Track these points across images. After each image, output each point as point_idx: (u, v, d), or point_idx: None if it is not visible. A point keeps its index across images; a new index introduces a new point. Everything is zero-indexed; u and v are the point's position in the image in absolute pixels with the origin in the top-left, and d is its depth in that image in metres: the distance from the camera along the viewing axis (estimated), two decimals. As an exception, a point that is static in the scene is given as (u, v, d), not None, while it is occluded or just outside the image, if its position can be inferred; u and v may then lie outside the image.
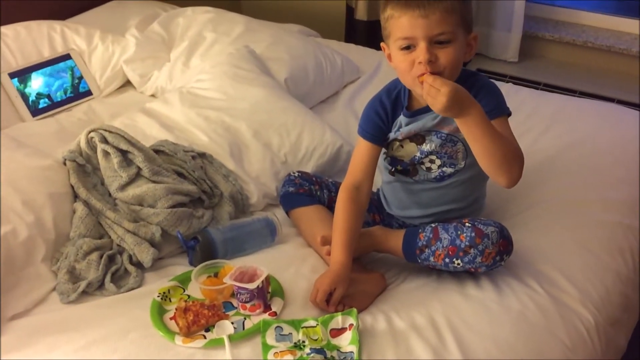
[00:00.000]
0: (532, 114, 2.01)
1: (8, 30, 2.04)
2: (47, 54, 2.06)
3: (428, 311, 1.29)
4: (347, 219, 1.39)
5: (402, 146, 1.42)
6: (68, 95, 2.05)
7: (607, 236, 1.53)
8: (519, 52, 2.87)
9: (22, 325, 1.28)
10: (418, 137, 1.40)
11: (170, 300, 1.33)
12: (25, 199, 1.42)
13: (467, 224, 1.32)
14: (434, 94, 1.19)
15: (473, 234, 1.30)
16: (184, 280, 1.38)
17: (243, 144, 1.73)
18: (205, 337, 1.24)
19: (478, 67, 2.83)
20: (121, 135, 1.55)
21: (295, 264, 1.44)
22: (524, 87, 2.30)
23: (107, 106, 2.03)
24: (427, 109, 1.35)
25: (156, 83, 2.11)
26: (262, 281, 1.28)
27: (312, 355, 1.17)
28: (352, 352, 1.20)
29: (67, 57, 2.08)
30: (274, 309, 1.30)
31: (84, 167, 1.56)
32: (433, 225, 1.37)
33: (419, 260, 1.37)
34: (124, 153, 1.54)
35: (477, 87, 1.33)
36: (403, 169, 1.45)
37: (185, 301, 1.30)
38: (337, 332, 1.25)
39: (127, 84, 2.16)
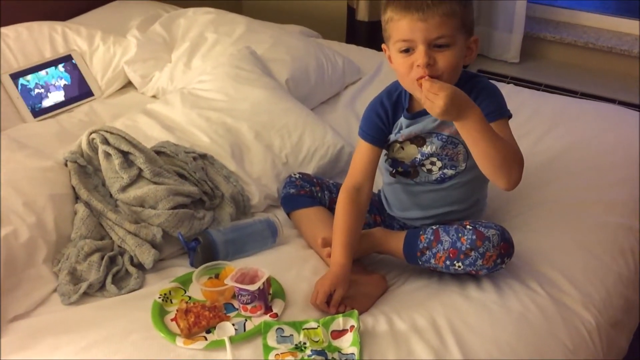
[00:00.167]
0: (533, 115, 2.01)
1: (9, 30, 2.04)
2: (48, 55, 2.06)
3: (429, 313, 1.28)
4: (347, 221, 1.39)
5: (402, 148, 1.42)
6: (69, 96, 2.05)
7: (608, 237, 1.53)
8: (520, 53, 2.87)
9: (23, 327, 1.28)
10: (419, 139, 1.40)
11: (171, 302, 1.33)
12: (27, 200, 1.42)
13: (468, 227, 1.32)
14: (432, 97, 1.19)
15: (474, 237, 1.29)
16: (185, 282, 1.38)
17: (244, 145, 1.73)
18: (206, 339, 1.24)
19: (479, 68, 2.83)
20: (122, 136, 1.55)
21: (297, 265, 1.44)
22: (525, 88, 2.29)
23: (109, 107, 2.03)
24: (427, 111, 1.35)
25: (157, 84, 2.11)
26: (263, 283, 1.28)
27: (313, 356, 1.17)
28: (353, 353, 1.19)
29: (68, 57, 2.08)
30: (275, 310, 1.30)
31: (85, 168, 1.56)
32: (434, 227, 1.37)
33: (420, 262, 1.37)
34: (125, 154, 1.54)
35: (478, 90, 1.33)
36: (404, 171, 1.45)
37: (187, 302, 1.30)
38: (338, 333, 1.25)
39: (129, 84, 2.16)
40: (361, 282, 1.37)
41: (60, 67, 2.06)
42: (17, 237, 1.36)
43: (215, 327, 1.26)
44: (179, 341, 1.22)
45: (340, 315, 1.27)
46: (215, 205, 1.60)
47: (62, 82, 2.05)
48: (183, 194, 1.52)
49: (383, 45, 1.37)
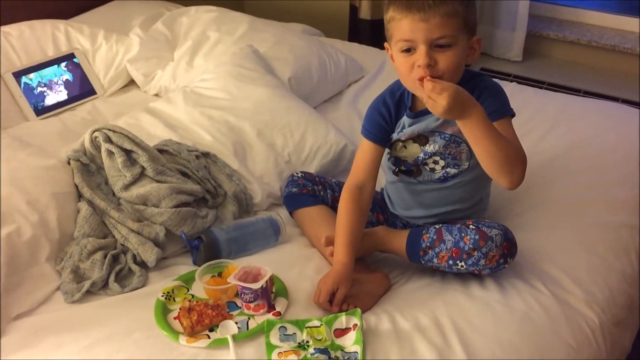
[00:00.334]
0: (536, 114, 2.00)
1: (12, 29, 2.04)
2: (51, 53, 2.06)
3: (432, 311, 1.28)
4: (350, 220, 1.39)
5: (405, 147, 1.42)
6: (72, 94, 2.05)
7: (611, 236, 1.53)
8: (523, 51, 2.87)
9: (26, 325, 1.28)
10: (421, 138, 1.40)
11: (174, 300, 1.33)
12: (30, 198, 1.42)
13: (471, 226, 1.32)
14: (435, 97, 1.19)
15: (477, 237, 1.29)
16: (188, 280, 1.38)
17: (247, 143, 1.72)
18: (209, 337, 1.24)
19: (482, 67, 2.82)
20: (125, 134, 1.55)
21: (299, 264, 1.44)
22: (528, 86, 2.29)
23: (111, 105, 2.03)
24: (430, 111, 1.35)
25: (160, 82, 2.11)
26: (266, 281, 1.28)
27: (316, 355, 1.17)
28: (356, 352, 1.19)
29: (71, 56, 2.08)
30: (278, 308, 1.30)
31: (88, 166, 1.56)
32: (437, 226, 1.37)
33: (423, 262, 1.37)
34: (128, 152, 1.54)
35: (481, 89, 1.33)
36: (407, 170, 1.45)
37: (189, 301, 1.30)
38: (341, 332, 1.25)
39: (131, 83, 2.16)
40: (364, 281, 1.37)
41: (63, 65, 2.06)
42: (20, 235, 1.36)
43: (218, 326, 1.26)
44: (182, 339, 1.22)
45: (343, 313, 1.27)
46: (217, 204, 1.60)
47: (65, 81, 2.05)
48: (186, 192, 1.52)
49: (385, 44, 1.37)
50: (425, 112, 1.37)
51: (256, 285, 1.27)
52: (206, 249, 1.44)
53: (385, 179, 1.54)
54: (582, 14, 2.93)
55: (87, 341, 1.21)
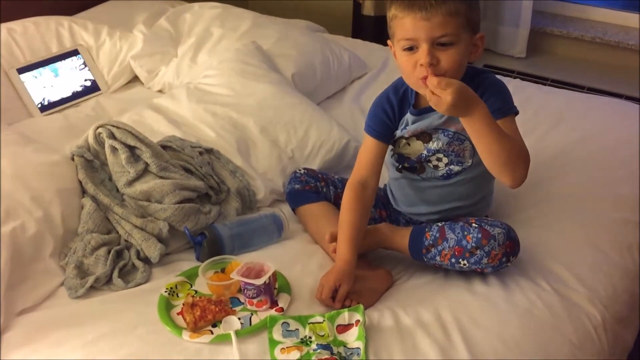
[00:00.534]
0: (539, 110, 2.00)
1: (16, 25, 2.05)
2: (55, 50, 2.07)
3: (435, 308, 1.29)
4: (353, 216, 1.39)
5: (408, 144, 1.42)
6: (76, 91, 2.05)
7: (615, 233, 1.53)
8: (526, 47, 2.86)
9: (30, 320, 1.29)
10: (425, 135, 1.40)
11: (177, 296, 1.34)
12: (34, 194, 1.43)
13: (473, 224, 1.32)
14: (440, 93, 1.18)
15: (479, 235, 1.29)
16: (191, 276, 1.39)
17: (250, 140, 1.73)
18: (212, 333, 1.24)
19: (485, 63, 2.82)
20: (129, 131, 1.55)
21: (302, 260, 1.44)
22: (532, 83, 2.29)
23: (115, 102, 2.04)
24: (433, 108, 1.35)
25: (163, 79, 2.11)
26: (269, 277, 1.29)
27: (318, 351, 1.17)
28: (358, 348, 1.20)
29: (75, 52, 2.08)
30: (280, 304, 1.30)
31: (91, 162, 1.57)
32: (440, 224, 1.37)
33: (425, 260, 1.37)
34: (131, 149, 1.54)
35: (484, 86, 1.33)
36: (410, 167, 1.45)
37: (193, 296, 1.30)
38: (344, 328, 1.25)
39: (135, 79, 2.17)
40: (367, 277, 1.37)
41: (67, 61, 2.07)
42: (25, 231, 1.37)
43: (221, 321, 1.26)
44: (185, 335, 1.23)
45: (346, 309, 1.27)
46: (221, 200, 1.60)
47: (69, 77, 2.06)
48: (189, 188, 1.53)
49: (388, 41, 1.37)
50: (429, 109, 1.37)
51: (259, 281, 1.27)
52: (209, 245, 1.44)
53: (388, 175, 1.54)
54: (586, 10, 2.92)
55: (90, 336, 1.22)
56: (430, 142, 1.39)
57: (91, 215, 1.47)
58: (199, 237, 1.46)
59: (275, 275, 1.33)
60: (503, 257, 1.30)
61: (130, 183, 1.51)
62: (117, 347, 1.20)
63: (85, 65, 2.09)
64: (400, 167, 1.46)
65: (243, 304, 1.32)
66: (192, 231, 1.47)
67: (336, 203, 1.55)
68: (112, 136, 1.55)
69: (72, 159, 1.57)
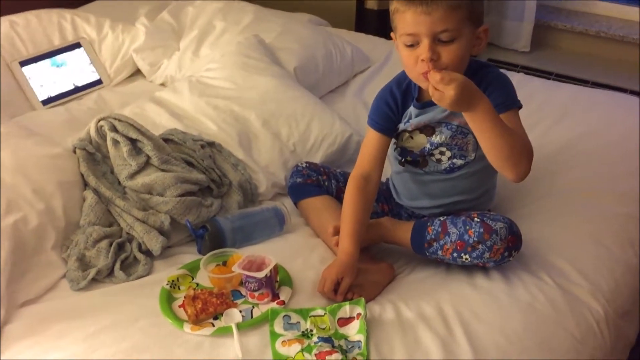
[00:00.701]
0: (543, 105, 1.99)
1: (19, 18, 2.05)
2: (57, 43, 2.06)
3: (436, 301, 1.28)
4: (355, 210, 1.39)
5: (411, 137, 1.41)
6: (78, 84, 2.05)
7: (617, 228, 1.52)
8: (530, 41, 2.85)
9: (32, 312, 1.29)
10: (428, 129, 1.39)
11: (179, 288, 1.34)
12: (36, 187, 1.43)
13: (475, 219, 1.31)
14: (442, 88, 1.17)
15: (481, 230, 1.29)
16: (193, 269, 1.39)
17: (252, 133, 1.72)
18: (213, 325, 1.24)
19: (489, 57, 2.81)
20: (130, 123, 1.55)
21: (304, 253, 1.44)
22: (536, 77, 2.28)
23: (117, 95, 2.04)
24: (436, 103, 1.34)
25: (166, 72, 2.11)
26: (271, 270, 1.29)
27: (319, 343, 1.17)
28: (359, 341, 1.20)
29: (77, 45, 2.08)
30: (282, 297, 1.30)
31: (93, 155, 1.57)
32: (442, 218, 1.36)
33: (427, 254, 1.37)
34: (133, 142, 1.54)
35: (488, 80, 1.32)
36: (413, 160, 1.44)
37: (194, 289, 1.31)
38: (345, 321, 1.25)
39: (137, 72, 2.17)
40: (369, 271, 1.37)
41: (69, 54, 2.06)
42: (27, 223, 1.37)
43: (222, 314, 1.27)
44: (187, 327, 1.23)
45: (347, 302, 1.27)
46: (222, 193, 1.60)
47: (71, 70, 2.05)
48: (191, 181, 1.53)
49: (392, 34, 1.36)
50: (432, 103, 1.36)
51: (260, 274, 1.27)
52: (211, 238, 1.44)
53: (391, 169, 1.54)
54: (591, 4, 2.91)
55: (92, 328, 1.22)
56: (434, 136, 1.39)
57: (93, 208, 1.47)
58: (201, 230, 1.46)
59: (276, 269, 1.33)
60: (505, 252, 1.30)
61: (132, 176, 1.51)
62: (118, 339, 1.20)
63: (88, 59, 2.09)
64: (403, 160, 1.46)
65: (244, 296, 1.32)
66: (193, 224, 1.47)
67: (338, 197, 1.55)
68: (114, 129, 1.55)
69: (74, 152, 1.57)
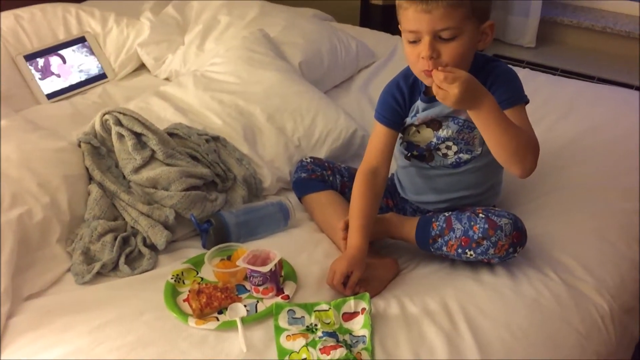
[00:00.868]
0: (549, 100, 1.98)
1: (23, 12, 2.05)
2: (62, 37, 2.06)
3: (441, 297, 1.28)
4: (364, 204, 1.39)
5: (418, 131, 1.41)
6: (83, 78, 2.05)
7: (623, 224, 1.51)
8: (536, 37, 2.84)
9: (37, 305, 1.29)
10: (435, 123, 1.39)
11: (183, 283, 1.34)
12: (41, 180, 1.43)
13: (480, 215, 1.31)
14: (446, 86, 1.16)
15: (486, 226, 1.29)
16: (197, 263, 1.39)
17: (257, 127, 1.72)
18: (218, 319, 1.24)
19: (495, 53, 2.80)
20: (135, 118, 1.55)
21: (308, 248, 1.44)
22: (541, 72, 2.27)
23: (122, 89, 2.04)
24: (440, 101, 1.34)
25: (170, 66, 2.11)
26: (275, 264, 1.28)
27: (324, 338, 1.17)
28: (364, 336, 1.20)
29: (82, 39, 2.08)
30: (286, 292, 1.30)
31: (98, 149, 1.57)
32: (446, 214, 1.36)
33: (432, 250, 1.37)
34: (138, 136, 1.54)
35: (494, 75, 1.31)
36: (419, 155, 1.44)
37: (199, 283, 1.31)
38: (350, 316, 1.25)
39: (142, 67, 2.17)
40: (374, 266, 1.37)
41: (74, 49, 2.06)
42: (32, 217, 1.37)
43: (227, 308, 1.27)
44: (191, 321, 1.23)
45: (352, 297, 1.27)
46: (227, 188, 1.60)
47: (76, 64, 2.05)
48: (195, 175, 1.52)
49: (400, 26, 1.35)
50: (440, 97, 1.36)
51: (265, 269, 1.27)
52: (215, 233, 1.44)
53: (396, 163, 1.53)
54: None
55: (97, 322, 1.22)
56: (440, 130, 1.38)
57: (98, 202, 1.47)
58: (205, 224, 1.46)
59: (281, 263, 1.32)
60: (510, 248, 1.29)
61: (137, 170, 1.51)
62: (123, 332, 1.20)
63: (92, 53, 2.09)
64: (409, 155, 1.45)
65: (249, 291, 1.32)
66: (198, 218, 1.47)
67: (342, 192, 1.55)
68: (119, 123, 1.55)
69: (79, 146, 1.57)
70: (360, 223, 1.36)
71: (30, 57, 1.99)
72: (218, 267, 1.35)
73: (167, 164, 1.52)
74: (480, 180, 1.44)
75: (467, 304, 1.27)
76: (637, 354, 1.49)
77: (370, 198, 1.39)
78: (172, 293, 1.30)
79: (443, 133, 1.38)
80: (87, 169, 1.53)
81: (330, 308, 1.25)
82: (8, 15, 2.02)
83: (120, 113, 1.56)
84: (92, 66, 2.08)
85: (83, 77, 2.05)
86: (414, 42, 1.26)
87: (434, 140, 1.40)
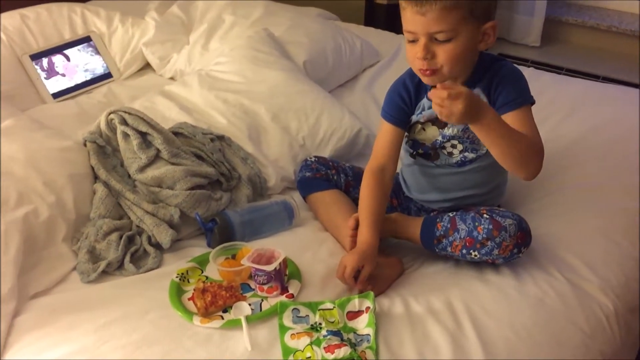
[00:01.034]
0: (554, 100, 1.98)
1: (29, 12, 2.06)
2: (67, 36, 2.07)
3: (446, 296, 1.28)
4: (373, 201, 1.39)
5: (424, 129, 1.41)
6: (88, 77, 2.06)
7: (628, 223, 1.51)
8: (541, 36, 2.83)
9: (42, 304, 1.30)
10: (440, 121, 1.38)
11: (188, 281, 1.34)
12: (46, 179, 1.44)
13: (485, 215, 1.31)
14: (449, 104, 1.16)
15: (490, 227, 1.28)
16: (202, 262, 1.39)
17: (261, 127, 1.72)
18: (222, 318, 1.25)
19: (499, 52, 2.80)
20: (140, 117, 1.56)
21: (313, 247, 1.44)
22: (546, 72, 2.27)
23: (127, 89, 2.04)
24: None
25: (175, 66, 2.11)
26: (280, 263, 1.29)
27: (328, 337, 1.17)
28: (368, 334, 1.20)
29: (87, 39, 2.09)
30: (291, 291, 1.30)
31: (103, 148, 1.57)
32: (451, 215, 1.36)
33: (437, 250, 1.37)
34: (143, 135, 1.54)
35: (501, 75, 1.31)
36: (424, 153, 1.44)
37: (204, 282, 1.31)
38: (354, 314, 1.25)
39: (147, 66, 2.17)
40: (378, 265, 1.36)
41: (80, 48, 2.07)
42: (37, 215, 1.38)
43: (231, 307, 1.27)
44: (196, 320, 1.23)
45: (356, 296, 1.27)
46: (232, 187, 1.60)
47: (81, 64, 2.06)
48: (200, 175, 1.53)
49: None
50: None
51: (269, 267, 1.28)
52: (220, 232, 1.45)
53: (402, 162, 1.53)
54: (602, -1, 2.89)
55: (102, 320, 1.23)
56: (446, 128, 1.38)
57: (103, 201, 1.48)
58: (210, 223, 1.46)
59: (285, 262, 1.33)
60: (514, 248, 1.29)
61: (142, 169, 1.52)
62: (128, 331, 1.21)
63: (98, 52, 2.09)
64: (414, 153, 1.45)
65: (254, 290, 1.32)
66: (203, 217, 1.48)
67: (347, 191, 1.55)
68: (124, 122, 1.55)
69: (85, 145, 1.57)
70: (371, 220, 1.36)
71: (36, 57, 1.99)
72: (223, 265, 1.35)
73: (172, 163, 1.52)
74: (485, 179, 1.44)
75: (471, 303, 1.27)
76: (642, 353, 1.49)
77: (379, 195, 1.39)
78: (177, 292, 1.30)
79: (448, 131, 1.38)
80: (92, 168, 1.54)
81: (334, 307, 1.25)
82: (14, 15, 2.02)
83: (125, 112, 1.56)
84: (97, 65, 2.08)
85: (88, 77, 2.06)
86: (413, 41, 1.26)
87: (440, 138, 1.40)
